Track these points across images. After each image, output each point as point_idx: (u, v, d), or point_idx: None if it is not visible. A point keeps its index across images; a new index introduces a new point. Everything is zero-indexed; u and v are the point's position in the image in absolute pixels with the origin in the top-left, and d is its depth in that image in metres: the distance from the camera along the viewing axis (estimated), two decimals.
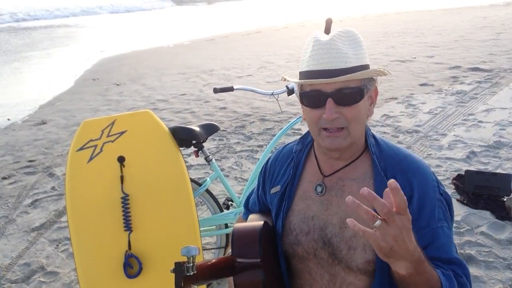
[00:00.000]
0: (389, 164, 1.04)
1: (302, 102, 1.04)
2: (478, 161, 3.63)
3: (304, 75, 1.00)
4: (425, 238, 0.98)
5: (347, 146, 1.02)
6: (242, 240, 1.02)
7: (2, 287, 2.48)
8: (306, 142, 1.19)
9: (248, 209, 1.39)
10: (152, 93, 6.91)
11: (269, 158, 1.29)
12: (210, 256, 2.58)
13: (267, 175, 1.26)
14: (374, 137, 1.11)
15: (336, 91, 0.96)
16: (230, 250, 1.04)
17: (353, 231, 1.00)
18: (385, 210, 0.77)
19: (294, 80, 1.06)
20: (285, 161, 1.21)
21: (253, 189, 1.38)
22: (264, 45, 11.11)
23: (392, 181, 0.77)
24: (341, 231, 1.03)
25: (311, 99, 1.00)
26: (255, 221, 1.11)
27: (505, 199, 2.91)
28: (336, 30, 1.01)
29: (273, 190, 1.20)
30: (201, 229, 2.14)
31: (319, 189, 1.09)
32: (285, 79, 1.11)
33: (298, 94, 1.07)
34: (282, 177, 1.19)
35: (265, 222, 1.07)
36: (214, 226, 2.40)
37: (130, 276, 1.44)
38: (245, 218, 1.35)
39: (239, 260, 0.99)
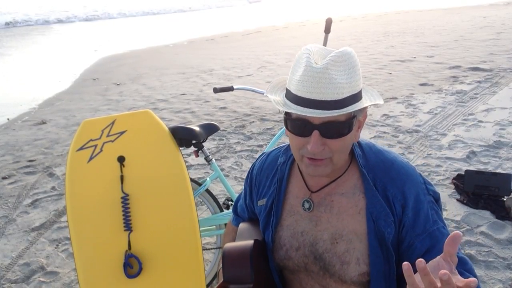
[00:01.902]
0: (377, 173, 1.02)
1: (286, 125, 0.97)
2: (478, 161, 3.63)
3: (292, 98, 0.92)
4: (425, 243, 0.98)
5: (329, 172, 0.99)
6: (233, 264, 1.02)
7: (2, 287, 2.48)
8: (289, 154, 1.16)
9: (238, 215, 1.37)
10: (152, 93, 6.91)
11: (254, 165, 1.26)
12: (210, 256, 2.58)
13: (253, 184, 1.23)
14: (359, 145, 1.08)
15: (323, 124, 0.90)
16: (221, 267, 1.04)
17: (345, 246, 1.00)
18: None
19: (277, 104, 0.97)
20: (270, 172, 1.18)
21: (240, 194, 1.36)
22: (264, 45, 11.11)
23: (419, 262, 0.66)
24: (333, 246, 1.02)
25: (296, 127, 0.94)
26: (245, 239, 1.11)
27: (505, 199, 2.91)
28: (332, 54, 0.90)
29: (260, 202, 1.18)
30: (201, 229, 2.14)
31: (306, 205, 1.07)
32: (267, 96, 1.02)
33: (283, 117, 0.99)
34: (268, 189, 1.16)
35: (255, 240, 1.06)
36: (214, 226, 2.40)
37: (130, 276, 1.44)
38: (235, 225, 1.35)
39: (231, 286, 1.00)
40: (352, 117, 0.92)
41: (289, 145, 1.17)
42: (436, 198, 1.04)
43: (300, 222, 1.08)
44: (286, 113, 0.95)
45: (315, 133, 0.90)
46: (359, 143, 1.08)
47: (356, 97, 0.91)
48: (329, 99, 0.87)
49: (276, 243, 1.10)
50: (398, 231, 1.00)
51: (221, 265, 1.07)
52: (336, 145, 0.93)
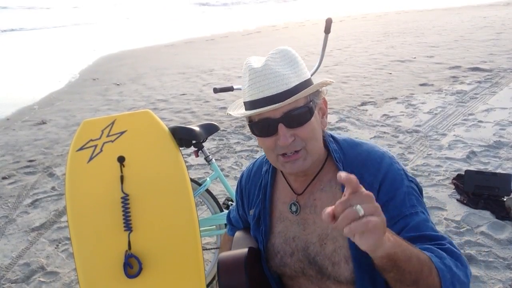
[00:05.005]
0: (355, 166, 1.03)
1: (253, 133, 1.01)
2: (478, 161, 3.63)
3: (249, 105, 0.98)
4: (399, 224, 0.97)
5: (309, 166, 1.00)
6: (228, 272, 1.03)
7: (2, 287, 2.48)
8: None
9: (233, 225, 1.38)
10: (152, 93, 6.91)
11: (242, 175, 1.27)
12: (210, 256, 2.58)
13: (243, 195, 1.25)
14: (334, 140, 1.09)
15: (284, 115, 0.94)
16: (217, 278, 1.05)
17: (332, 246, 1.01)
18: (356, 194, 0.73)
19: (238, 114, 1.03)
20: (257, 180, 1.19)
21: (233, 205, 1.38)
22: (264, 45, 11.11)
23: (339, 174, 0.73)
24: (322, 248, 1.03)
25: (262, 128, 0.98)
26: (241, 247, 1.12)
27: (505, 199, 2.91)
28: (269, 53, 0.98)
29: (251, 212, 1.19)
30: (201, 229, 2.14)
31: (293, 208, 1.08)
32: (230, 115, 1.08)
33: (247, 124, 1.04)
34: (256, 198, 1.17)
35: (249, 248, 1.07)
36: (214, 226, 2.40)
37: (130, 276, 1.44)
38: (231, 235, 1.36)
39: None
40: (309, 101, 0.96)
41: None
42: (419, 187, 1.04)
43: (290, 228, 1.08)
44: (250, 122, 1.01)
45: (280, 126, 0.95)
46: (335, 139, 1.09)
47: (306, 84, 0.96)
48: (280, 91, 0.92)
49: (270, 251, 1.11)
50: None
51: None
52: (304, 132, 0.96)
